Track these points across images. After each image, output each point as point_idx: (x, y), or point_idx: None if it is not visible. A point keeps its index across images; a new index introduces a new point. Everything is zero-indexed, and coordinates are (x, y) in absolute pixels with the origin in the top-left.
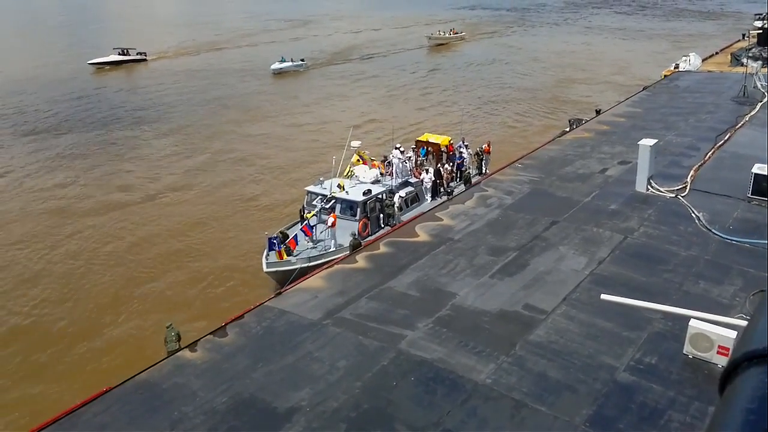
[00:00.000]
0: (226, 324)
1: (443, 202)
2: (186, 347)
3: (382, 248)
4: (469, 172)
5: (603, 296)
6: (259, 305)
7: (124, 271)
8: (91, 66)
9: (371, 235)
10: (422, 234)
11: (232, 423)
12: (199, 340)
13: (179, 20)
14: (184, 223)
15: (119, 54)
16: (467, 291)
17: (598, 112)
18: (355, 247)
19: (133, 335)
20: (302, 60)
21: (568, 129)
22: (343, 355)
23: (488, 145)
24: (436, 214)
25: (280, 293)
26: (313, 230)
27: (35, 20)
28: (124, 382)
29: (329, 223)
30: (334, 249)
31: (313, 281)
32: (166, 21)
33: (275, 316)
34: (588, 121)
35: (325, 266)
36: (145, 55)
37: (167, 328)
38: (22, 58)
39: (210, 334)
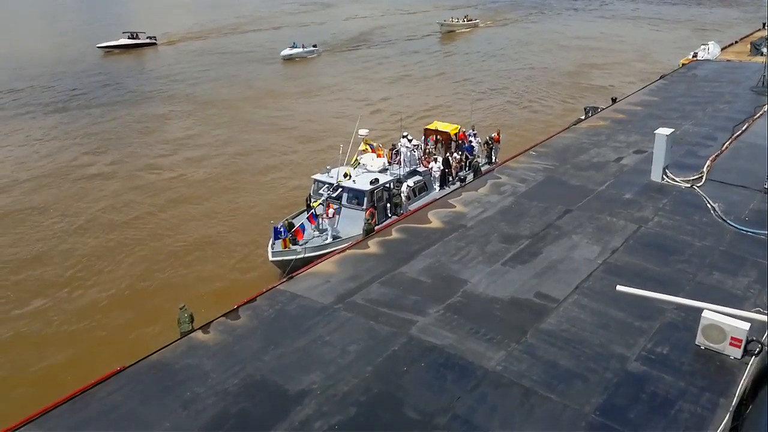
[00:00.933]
0: (238, 306)
1: (455, 189)
2: (199, 329)
3: (394, 234)
4: (477, 161)
5: (618, 287)
6: (272, 288)
7: (150, 247)
8: (99, 50)
9: (378, 225)
10: (434, 220)
11: (243, 404)
12: (211, 321)
13: (194, 2)
14: (209, 198)
15: (129, 38)
16: (479, 278)
17: (614, 101)
18: (368, 232)
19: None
20: (314, 46)
21: (583, 117)
22: (354, 339)
23: (498, 134)
24: (448, 200)
25: (292, 277)
26: (318, 219)
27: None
28: (138, 362)
29: (329, 214)
30: (332, 240)
31: (325, 266)
32: (181, 3)
33: (287, 300)
34: (604, 109)
35: (336, 251)
36: (155, 39)
37: (180, 309)
38: (33, 40)
39: (222, 316)
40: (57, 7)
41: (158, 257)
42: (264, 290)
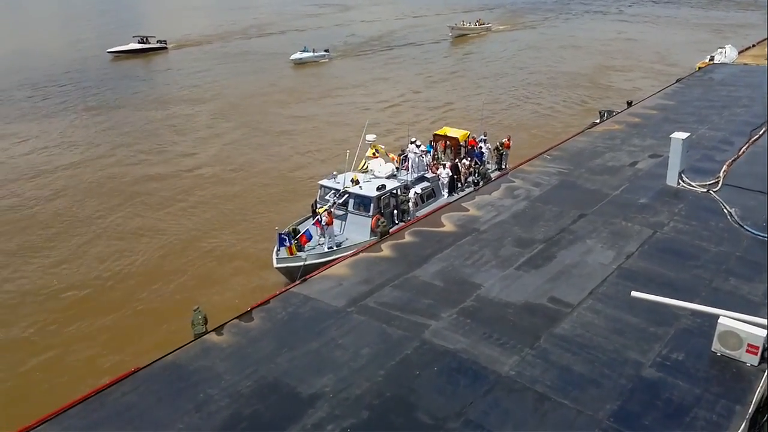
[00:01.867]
0: (252, 308)
1: (466, 194)
2: (213, 330)
3: (407, 237)
4: (486, 169)
5: (633, 293)
6: (285, 291)
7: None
8: (109, 54)
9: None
10: (448, 224)
11: (256, 406)
12: (225, 324)
13: (213, 3)
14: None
15: (139, 42)
16: (492, 282)
17: (629, 104)
18: (383, 235)
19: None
20: (326, 50)
21: (598, 120)
22: (367, 342)
23: (508, 140)
24: (462, 204)
25: (305, 280)
26: (324, 226)
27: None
28: (152, 363)
29: (323, 222)
30: (336, 247)
31: (338, 269)
32: (200, 5)
33: (300, 302)
34: (619, 113)
35: (344, 256)
36: (165, 44)
37: (194, 311)
38: (54, 44)
39: (236, 318)
40: (77, 10)
41: (178, 257)
42: (277, 292)
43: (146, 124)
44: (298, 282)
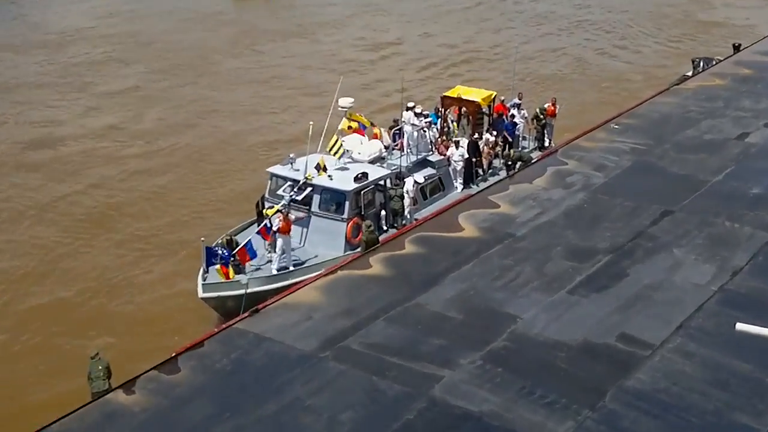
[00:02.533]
0: (177, 354)
1: (493, 184)
2: (119, 387)
3: (408, 247)
4: (520, 148)
5: (738, 326)
6: (226, 327)
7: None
8: None
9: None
10: (468, 227)
11: None
12: (138, 377)
13: None
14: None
15: None
16: (534, 313)
17: (736, 48)
18: (369, 245)
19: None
20: None
21: (690, 73)
22: (349, 403)
23: (553, 104)
24: (489, 198)
25: (257, 310)
26: (275, 235)
27: None
28: None
29: (274, 229)
30: (291, 268)
31: (306, 293)
32: None
33: (249, 345)
34: (721, 61)
35: (311, 278)
36: None
37: (92, 359)
38: None
39: (154, 368)
40: None
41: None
42: (215, 330)
43: (31, 73)
44: (244, 316)
